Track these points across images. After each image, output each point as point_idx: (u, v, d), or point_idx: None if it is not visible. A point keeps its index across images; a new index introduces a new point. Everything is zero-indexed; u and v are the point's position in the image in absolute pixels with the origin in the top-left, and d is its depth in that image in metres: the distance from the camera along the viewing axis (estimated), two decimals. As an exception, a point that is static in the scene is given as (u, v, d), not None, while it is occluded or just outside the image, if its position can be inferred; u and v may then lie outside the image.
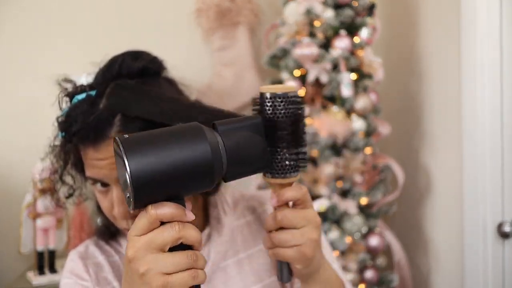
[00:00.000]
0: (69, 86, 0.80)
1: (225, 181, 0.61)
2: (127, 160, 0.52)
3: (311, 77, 1.79)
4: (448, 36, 1.86)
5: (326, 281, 0.74)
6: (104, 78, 0.77)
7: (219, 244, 0.82)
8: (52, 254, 1.78)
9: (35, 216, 1.72)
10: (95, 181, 0.75)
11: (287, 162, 0.64)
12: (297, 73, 1.83)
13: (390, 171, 1.91)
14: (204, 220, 0.86)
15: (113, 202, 0.74)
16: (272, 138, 0.63)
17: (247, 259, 0.84)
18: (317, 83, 1.81)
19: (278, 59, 1.90)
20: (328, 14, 1.80)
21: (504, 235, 1.67)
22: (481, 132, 1.70)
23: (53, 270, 1.77)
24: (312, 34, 1.84)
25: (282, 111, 0.63)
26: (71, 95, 0.79)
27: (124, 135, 0.55)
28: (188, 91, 0.84)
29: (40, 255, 1.75)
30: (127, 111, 0.71)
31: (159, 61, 0.82)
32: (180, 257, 0.54)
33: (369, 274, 1.83)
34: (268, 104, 0.64)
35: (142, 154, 0.52)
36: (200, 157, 0.54)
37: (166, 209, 0.55)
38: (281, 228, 0.67)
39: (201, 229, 0.84)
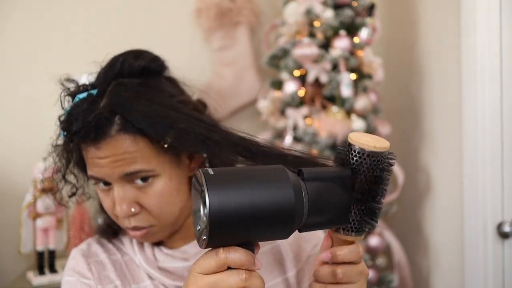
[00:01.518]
0: (71, 86, 0.81)
1: (300, 231, 0.58)
2: (208, 195, 0.49)
3: (311, 77, 1.79)
4: (448, 36, 1.86)
5: None
6: (106, 77, 0.77)
7: None
8: (52, 254, 1.78)
9: (35, 216, 1.72)
10: (97, 180, 0.76)
11: (357, 222, 0.60)
12: (297, 73, 1.83)
13: (390, 171, 1.91)
14: None
15: (115, 201, 0.74)
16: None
17: (269, 250, 0.85)
18: (317, 83, 1.81)
19: (278, 59, 1.90)
20: (328, 14, 1.80)
21: (503, 235, 1.67)
22: (481, 132, 1.70)
23: (53, 270, 1.77)
24: (312, 34, 1.84)
25: (370, 172, 0.57)
26: (73, 95, 0.79)
27: (210, 169, 0.53)
28: (190, 91, 0.84)
29: (40, 255, 1.75)
30: (127, 110, 0.71)
31: (161, 60, 0.82)
32: None
33: (369, 274, 1.83)
34: (355, 158, 0.58)
35: (224, 190, 0.49)
36: (283, 201, 0.51)
37: (237, 256, 0.53)
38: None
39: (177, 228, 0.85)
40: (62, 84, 0.80)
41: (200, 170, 0.52)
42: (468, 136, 1.75)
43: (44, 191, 1.74)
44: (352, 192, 0.58)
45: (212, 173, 0.51)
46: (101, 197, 0.78)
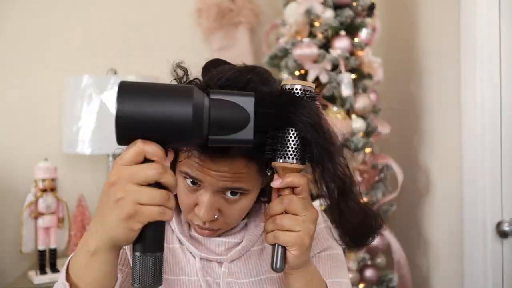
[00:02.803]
0: (180, 73, 0.82)
1: (208, 145, 0.64)
2: (117, 101, 0.58)
3: (311, 77, 1.80)
4: (448, 36, 1.86)
5: (310, 278, 0.77)
6: (227, 87, 0.76)
7: (252, 233, 0.89)
8: (53, 254, 1.78)
9: (37, 215, 1.73)
10: (190, 178, 0.78)
11: (297, 149, 0.70)
12: (297, 73, 1.84)
13: (389, 170, 1.92)
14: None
15: (200, 203, 0.78)
16: (288, 125, 0.69)
17: (269, 250, 0.88)
18: (317, 83, 1.82)
19: (278, 59, 1.91)
20: (328, 14, 1.81)
21: (503, 234, 1.68)
22: (480, 132, 1.70)
23: (54, 269, 1.78)
24: (312, 34, 1.84)
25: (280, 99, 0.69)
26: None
27: (128, 81, 0.61)
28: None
29: (41, 254, 1.75)
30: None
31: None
32: (155, 193, 0.59)
33: (369, 273, 1.84)
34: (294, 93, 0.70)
35: (132, 99, 0.59)
36: (181, 115, 0.59)
37: (152, 147, 0.60)
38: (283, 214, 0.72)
39: (243, 218, 0.91)
40: (174, 70, 0.82)
41: (120, 81, 0.61)
42: (468, 136, 1.76)
43: (45, 190, 1.74)
44: (285, 122, 0.68)
45: (128, 82, 0.60)
46: (181, 190, 0.81)
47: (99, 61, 2.08)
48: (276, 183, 0.72)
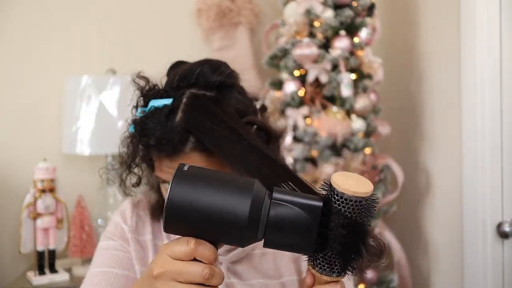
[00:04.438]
0: (142, 83, 0.82)
1: (264, 246, 0.59)
2: (171, 186, 0.55)
3: (311, 77, 1.79)
4: (448, 36, 1.86)
5: None
6: (179, 86, 0.79)
7: None
8: (52, 254, 1.78)
9: (35, 216, 1.72)
10: (164, 181, 0.80)
11: (333, 263, 0.59)
12: (297, 73, 1.83)
13: (389, 171, 1.91)
14: None
15: None
16: (327, 231, 0.58)
17: (271, 255, 0.90)
18: (317, 83, 1.81)
19: (278, 59, 1.91)
20: (328, 14, 1.81)
21: (503, 235, 1.67)
22: (480, 132, 1.70)
23: (53, 270, 1.77)
24: (312, 34, 1.84)
25: (351, 215, 0.57)
26: (146, 96, 0.81)
27: (186, 165, 0.58)
28: (256, 98, 0.87)
29: (40, 255, 1.75)
30: (200, 132, 0.73)
31: (236, 75, 0.84)
32: None
33: (369, 274, 1.83)
34: (335, 199, 0.57)
35: (188, 186, 0.55)
36: (236, 209, 0.55)
37: (206, 250, 0.57)
38: None
39: None
40: (134, 81, 0.81)
41: (180, 163, 0.58)
42: (468, 136, 1.75)
43: (44, 191, 1.74)
44: (322, 224, 0.57)
45: (186, 169, 0.57)
46: (164, 194, 0.82)
47: (98, 61, 2.08)
48: None
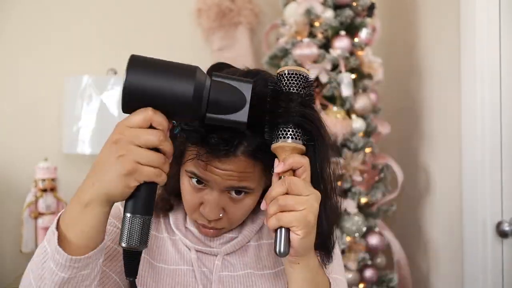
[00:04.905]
0: None
1: (206, 121, 0.68)
2: (127, 72, 0.63)
3: (311, 77, 1.79)
4: (448, 36, 1.87)
5: (315, 271, 0.76)
6: None
7: (248, 229, 0.91)
8: (53, 254, 1.78)
9: (37, 215, 1.73)
10: (195, 177, 0.80)
11: (295, 131, 0.71)
12: (297, 73, 1.84)
13: (389, 170, 1.92)
14: None
15: (205, 202, 0.81)
16: (283, 102, 0.70)
17: (266, 246, 0.92)
18: (317, 83, 1.82)
19: (278, 59, 1.91)
20: (328, 14, 1.81)
21: (503, 234, 1.68)
22: (480, 132, 1.70)
23: (54, 269, 1.78)
24: (312, 34, 1.84)
25: (295, 85, 0.71)
26: None
27: (139, 55, 0.65)
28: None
29: (41, 254, 1.75)
30: (252, 138, 0.77)
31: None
32: (154, 156, 0.64)
33: (369, 273, 1.84)
34: (285, 80, 0.71)
35: (141, 71, 0.64)
36: (183, 90, 0.64)
37: (160, 117, 0.64)
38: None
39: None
40: None
41: (132, 54, 0.65)
42: (468, 136, 1.76)
43: (45, 190, 1.74)
44: (276, 101, 0.70)
45: (139, 57, 0.65)
46: (187, 189, 0.83)
47: (99, 61, 2.09)
48: (278, 167, 0.71)
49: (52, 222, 1.72)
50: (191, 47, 2.19)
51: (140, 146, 0.63)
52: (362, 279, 1.84)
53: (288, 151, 0.71)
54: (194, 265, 0.87)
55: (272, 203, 0.70)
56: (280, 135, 0.71)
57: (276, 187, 0.70)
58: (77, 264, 0.65)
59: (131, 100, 0.64)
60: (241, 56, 2.12)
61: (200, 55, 2.17)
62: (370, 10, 1.88)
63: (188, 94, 0.64)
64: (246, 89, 0.69)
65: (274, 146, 0.72)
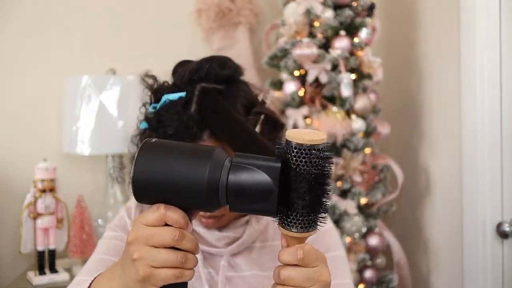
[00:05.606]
0: (150, 81, 0.86)
1: (230, 211, 0.61)
2: (135, 162, 0.59)
3: (311, 77, 1.79)
4: (448, 36, 1.86)
5: None
6: (192, 80, 0.84)
7: (252, 229, 0.91)
8: (52, 254, 1.78)
9: (36, 216, 1.72)
10: None
11: (298, 219, 0.60)
12: (297, 73, 1.84)
13: (389, 171, 1.92)
14: None
15: None
16: (290, 189, 0.59)
17: (271, 248, 0.92)
18: (317, 83, 1.82)
19: (278, 59, 1.91)
20: (328, 14, 1.81)
21: (503, 235, 1.67)
22: (480, 132, 1.70)
23: (53, 270, 1.77)
24: (312, 35, 1.84)
25: (305, 167, 0.58)
26: (158, 92, 0.85)
27: (153, 139, 0.61)
28: (258, 92, 0.94)
29: (40, 255, 1.75)
30: (212, 122, 0.79)
31: (242, 69, 0.91)
32: (169, 256, 0.59)
33: (369, 273, 1.83)
34: (292, 154, 0.58)
35: (150, 160, 0.58)
36: (196, 176, 0.57)
37: (174, 214, 0.59)
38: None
39: (244, 214, 0.93)
40: (143, 80, 0.85)
41: (145, 139, 0.62)
42: (468, 136, 1.75)
43: (44, 191, 1.74)
44: (287, 185, 0.59)
45: (152, 141, 0.60)
46: None
47: (98, 61, 2.08)
48: (286, 257, 0.62)
49: (51, 222, 1.72)
50: (191, 47, 2.19)
51: (155, 247, 0.59)
52: (362, 280, 1.84)
53: (298, 239, 0.62)
54: (200, 266, 0.87)
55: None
56: (291, 223, 0.60)
57: (274, 274, 0.63)
58: None
59: (142, 193, 0.60)
60: (241, 56, 2.12)
61: (200, 55, 2.15)
62: (370, 10, 1.88)
63: (201, 182, 0.57)
64: (273, 172, 0.58)
65: (283, 231, 0.62)
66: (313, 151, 0.57)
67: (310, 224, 0.60)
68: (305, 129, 0.62)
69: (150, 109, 0.84)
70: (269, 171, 0.58)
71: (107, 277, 0.67)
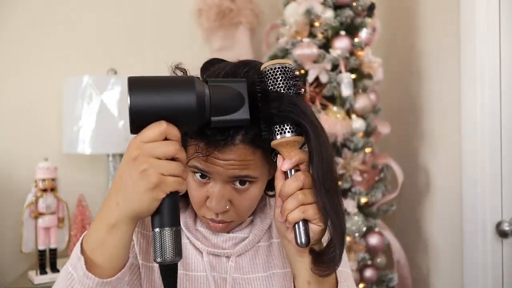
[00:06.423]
0: (179, 74, 0.86)
1: (212, 125, 0.70)
2: (130, 94, 0.65)
3: (311, 77, 1.80)
4: (448, 36, 1.87)
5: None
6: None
7: (258, 228, 0.92)
8: (53, 253, 1.79)
9: (37, 215, 1.73)
10: (198, 171, 0.81)
11: (288, 125, 0.72)
12: (296, 73, 1.84)
13: (389, 170, 1.92)
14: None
15: (211, 195, 0.81)
16: (273, 102, 0.72)
17: (276, 245, 0.93)
18: (317, 83, 1.82)
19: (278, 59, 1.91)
20: (328, 14, 1.81)
21: (503, 234, 1.68)
22: (480, 131, 1.70)
23: (54, 269, 1.78)
24: (312, 35, 1.84)
25: (281, 80, 0.73)
26: None
27: (136, 76, 0.67)
28: None
29: (41, 254, 1.75)
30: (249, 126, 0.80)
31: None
32: (174, 166, 0.65)
33: (369, 273, 1.84)
34: (268, 77, 0.73)
35: (142, 91, 0.66)
36: (186, 102, 0.67)
37: (173, 129, 0.66)
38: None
39: (249, 215, 0.93)
40: (174, 72, 0.86)
41: (128, 76, 0.67)
42: (467, 136, 1.76)
43: (45, 190, 1.74)
44: (266, 99, 0.72)
45: (137, 77, 0.67)
46: (192, 186, 0.84)
47: (99, 61, 2.09)
48: (285, 165, 0.73)
49: (52, 222, 1.73)
50: (191, 47, 2.19)
51: (159, 159, 0.64)
52: (362, 279, 1.84)
53: (289, 145, 0.73)
54: (207, 267, 0.87)
55: (291, 198, 0.71)
56: (278, 132, 0.73)
57: (291, 183, 0.72)
58: (107, 286, 0.67)
59: (140, 120, 0.66)
60: (241, 56, 2.12)
61: (200, 55, 2.15)
62: (370, 10, 1.88)
63: (192, 104, 0.67)
64: (242, 88, 0.72)
65: (274, 143, 0.73)
66: (282, 68, 0.74)
67: (295, 128, 0.72)
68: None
69: None
70: (238, 85, 0.72)
71: (98, 218, 0.67)
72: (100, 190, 2.04)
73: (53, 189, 1.76)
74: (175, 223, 0.66)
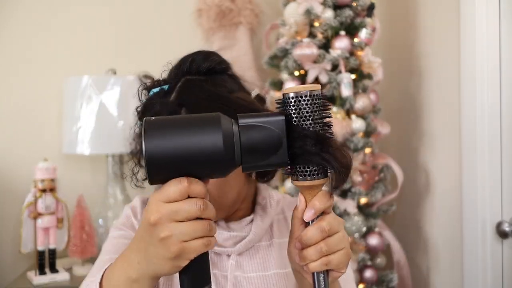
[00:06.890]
0: (148, 82, 0.90)
1: (243, 171, 0.62)
2: (144, 140, 0.57)
3: (311, 77, 1.79)
4: (448, 36, 1.86)
5: None
6: (176, 74, 0.87)
7: (258, 227, 0.92)
8: (52, 254, 1.78)
9: (36, 215, 1.73)
10: None
11: (313, 167, 0.63)
12: (297, 73, 1.84)
13: (389, 171, 1.92)
14: (252, 206, 0.95)
15: None
16: (298, 140, 0.62)
17: (277, 245, 0.93)
18: (317, 83, 1.82)
19: (279, 59, 1.91)
20: (328, 14, 1.81)
21: (503, 235, 1.68)
22: (480, 132, 1.70)
23: (53, 269, 1.78)
24: (312, 35, 1.84)
25: (307, 112, 0.62)
26: (149, 89, 0.88)
27: (152, 118, 0.60)
28: (250, 86, 0.93)
29: (40, 254, 1.75)
30: (192, 105, 0.80)
31: (227, 63, 0.91)
32: (197, 227, 0.59)
33: (369, 273, 1.84)
34: (291, 105, 0.62)
35: (159, 136, 0.57)
36: (211, 145, 0.57)
37: (197, 186, 0.59)
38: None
39: (248, 213, 0.94)
40: (140, 80, 0.89)
41: (145, 118, 0.60)
42: (467, 136, 1.76)
43: (44, 191, 1.74)
44: (293, 137, 0.62)
45: (152, 120, 0.59)
46: None
47: (98, 61, 2.08)
48: (308, 214, 0.65)
49: (51, 222, 1.72)
50: (191, 47, 2.16)
51: (182, 221, 0.59)
52: (362, 280, 1.84)
53: (313, 189, 0.65)
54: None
55: (313, 249, 0.65)
56: (300, 173, 0.63)
57: (314, 233, 0.64)
58: None
59: (157, 170, 0.58)
60: (241, 56, 2.12)
61: (200, 55, 2.17)
62: (370, 10, 1.88)
63: (219, 147, 0.57)
64: (278, 125, 0.61)
65: (296, 184, 0.65)
66: (309, 97, 0.62)
67: (321, 170, 0.63)
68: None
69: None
70: (275, 124, 0.61)
71: (119, 267, 0.66)
72: (99, 191, 2.03)
73: (52, 190, 1.76)
74: (206, 282, 0.61)
